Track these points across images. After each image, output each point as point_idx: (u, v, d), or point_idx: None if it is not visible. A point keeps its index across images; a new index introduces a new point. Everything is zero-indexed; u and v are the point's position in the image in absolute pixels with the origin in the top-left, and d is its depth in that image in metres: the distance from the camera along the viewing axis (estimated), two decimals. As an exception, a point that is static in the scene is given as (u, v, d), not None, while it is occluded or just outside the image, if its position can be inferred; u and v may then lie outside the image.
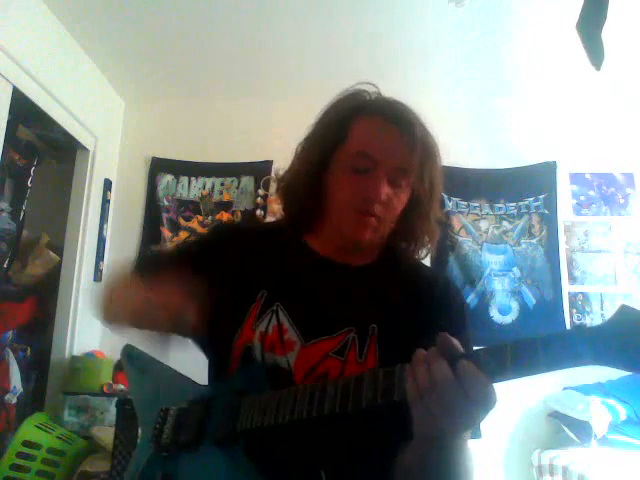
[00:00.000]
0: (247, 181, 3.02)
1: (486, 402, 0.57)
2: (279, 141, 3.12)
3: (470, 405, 0.57)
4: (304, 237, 0.92)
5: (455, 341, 0.61)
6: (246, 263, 0.88)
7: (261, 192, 2.98)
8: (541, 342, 0.55)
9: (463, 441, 0.69)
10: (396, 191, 0.83)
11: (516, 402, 2.65)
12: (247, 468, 0.73)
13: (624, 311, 0.53)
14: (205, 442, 0.79)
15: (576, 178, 2.97)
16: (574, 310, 2.78)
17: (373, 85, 0.89)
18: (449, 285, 0.92)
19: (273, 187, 2.99)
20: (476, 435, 0.81)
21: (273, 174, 0.99)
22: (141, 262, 0.99)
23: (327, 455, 0.76)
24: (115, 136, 3.12)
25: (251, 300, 0.84)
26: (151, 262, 0.99)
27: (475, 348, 0.62)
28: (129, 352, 1.02)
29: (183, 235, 2.97)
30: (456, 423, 0.59)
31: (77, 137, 2.67)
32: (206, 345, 0.91)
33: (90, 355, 2.62)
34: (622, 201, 2.93)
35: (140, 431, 0.96)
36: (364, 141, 0.83)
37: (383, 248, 0.91)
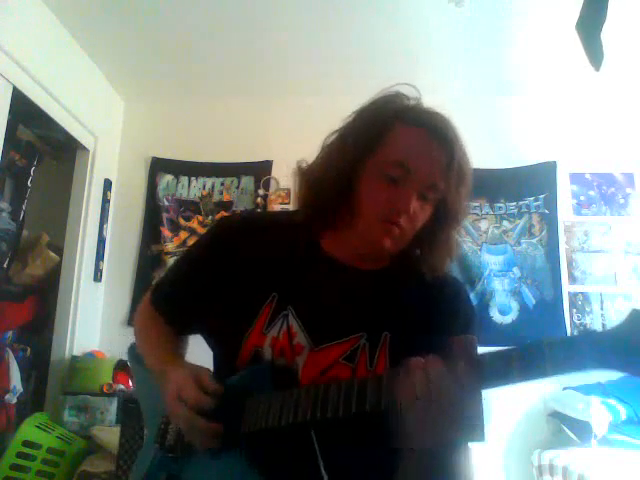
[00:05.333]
0: (247, 181, 3.02)
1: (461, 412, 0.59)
2: (279, 141, 3.13)
3: (455, 414, 0.59)
4: (318, 237, 0.89)
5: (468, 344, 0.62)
6: (256, 261, 0.87)
7: (261, 192, 2.98)
8: (548, 347, 0.55)
9: (459, 450, 0.68)
10: (422, 205, 0.81)
11: (516, 402, 2.65)
12: (249, 471, 0.73)
13: (636, 316, 0.51)
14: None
15: (576, 178, 2.97)
16: (574, 310, 2.78)
17: (413, 88, 0.87)
18: (461, 290, 0.91)
19: (273, 187, 2.99)
20: (481, 438, 0.80)
21: (296, 165, 0.94)
22: (156, 295, 1.00)
23: (330, 458, 0.75)
24: (115, 136, 3.12)
25: (261, 302, 0.83)
26: (164, 294, 0.99)
27: (482, 351, 0.62)
28: (135, 351, 1.02)
29: (183, 235, 2.97)
30: (440, 434, 0.61)
31: (77, 137, 2.67)
32: (214, 343, 0.91)
33: (90, 355, 2.62)
34: (622, 201, 2.93)
35: (146, 431, 0.97)
36: (403, 151, 0.80)
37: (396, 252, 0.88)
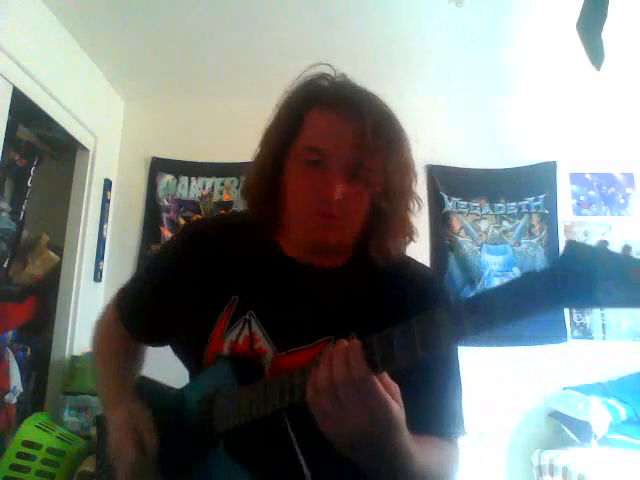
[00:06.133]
0: (247, 181, 3.01)
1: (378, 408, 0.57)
2: (279, 141, 3.13)
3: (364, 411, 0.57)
4: (276, 236, 0.87)
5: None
6: (218, 266, 0.84)
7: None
8: (498, 294, 0.53)
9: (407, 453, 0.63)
10: (356, 187, 0.76)
11: (516, 402, 2.65)
12: (232, 468, 0.73)
13: (572, 247, 0.49)
14: (188, 450, 0.79)
15: (576, 178, 2.97)
16: (574, 310, 2.77)
17: (329, 66, 0.83)
18: (427, 279, 0.88)
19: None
20: (461, 431, 0.79)
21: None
22: (123, 307, 0.96)
23: (309, 448, 0.73)
24: (115, 136, 3.12)
25: (221, 306, 0.81)
26: (131, 308, 0.95)
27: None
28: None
29: (183, 235, 2.97)
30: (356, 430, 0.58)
31: (77, 137, 2.67)
32: (182, 353, 0.89)
33: (90, 355, 2.61)
34: (622, 201, 2.93)
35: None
36: (314, 135, 0.77)
37: (356, 244, 0.84)
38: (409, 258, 0.89)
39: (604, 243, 0.47)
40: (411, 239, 0.86)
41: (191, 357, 0.84)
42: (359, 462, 0.62)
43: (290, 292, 0.81)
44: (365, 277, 0.83)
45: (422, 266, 0.90)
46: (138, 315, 0.93)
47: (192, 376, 0.87)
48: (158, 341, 0.95)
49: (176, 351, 0.91)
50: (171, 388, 0.91)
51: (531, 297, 0.50)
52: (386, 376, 0.59)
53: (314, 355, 0.76)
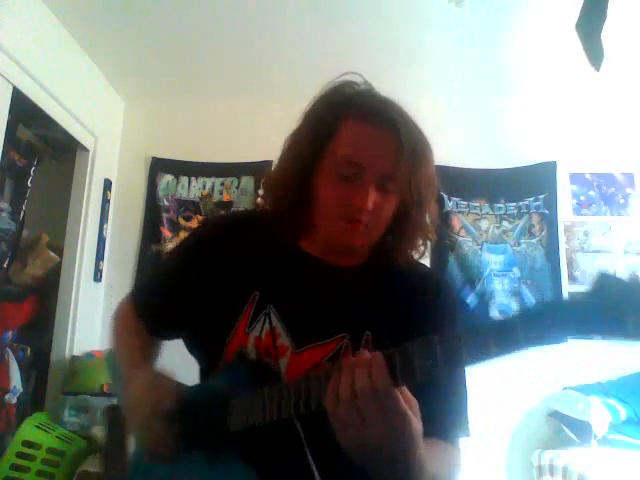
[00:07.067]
0: (247, 181, 3.02)
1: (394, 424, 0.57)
2: (279, 141, 3.13)
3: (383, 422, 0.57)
4: (295, 233, 0.89)
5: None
6: (237, 262, 0.86)
7: (261, 192, 2.96)
8: (524, 320, 0.54)
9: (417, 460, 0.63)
10: (386, 195, 0.80)
11: (516, 402, 2.65)
12: (243, 471, 0.72)
13: (604, 279, 0.51)
14: (197, 449, 0.78)
15: (576, 178, 2.97)
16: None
17: (359, 75, 0.85)
18: (441, 284, 0.90)
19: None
20: (465, 433, 0.80)
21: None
22: (140, 302, 0.98)
23: (320, 452, 0.73)
24: (115, 136, 3.12)
25: (243, 301, 0.83)
26: (149, 303, 0.96)
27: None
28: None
29: (183, 235, 2.97)
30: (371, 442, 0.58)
31: (77, 137, 2.67)
32: (197, 346, 0.90)
33: (90, 355, 2.62)
34: (622, 201, 2.93)
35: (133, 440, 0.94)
36: (350, 146, 0.79)
37: (374, 246, 0.87)
38: (421, 263, 0.91)
39: (635, 277, 0.49)
40: (430, 244, 0.89)
41: (208, 352, 0.85)
42: (372, 472, 0.62)
43: (309, 288, 0.83)
44: (382, 278, 0.85)
45: (435, 271, 0.94)
46: (153, 309, 0.94)
47: (207, 371, 0.87)
48: (172, 335, 0.97)
49: (190, 346, 0.92)
50: (180, 384, 0.90)
51: (559, 325, 0.52)
52: (406, 390, 0.60)
53: (329, 351, 0.78)
